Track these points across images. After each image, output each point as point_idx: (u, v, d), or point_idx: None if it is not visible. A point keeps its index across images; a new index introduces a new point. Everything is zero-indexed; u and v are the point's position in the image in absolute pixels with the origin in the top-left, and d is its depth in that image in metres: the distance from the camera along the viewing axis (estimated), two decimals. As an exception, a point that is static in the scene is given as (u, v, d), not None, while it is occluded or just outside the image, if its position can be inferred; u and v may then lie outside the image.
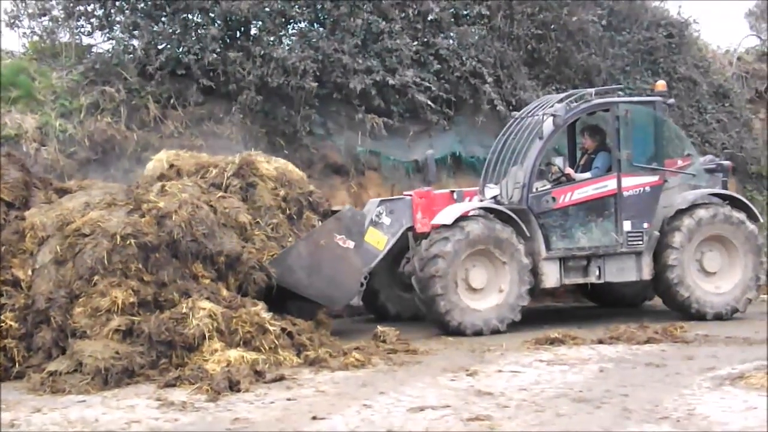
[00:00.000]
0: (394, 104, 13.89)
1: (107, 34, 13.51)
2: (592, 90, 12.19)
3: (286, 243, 10.44)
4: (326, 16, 13.85)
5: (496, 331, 10.89)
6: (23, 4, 13.60)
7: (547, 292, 12.19)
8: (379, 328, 10.41)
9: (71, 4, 13.28)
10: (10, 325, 8.80)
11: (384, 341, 10.11)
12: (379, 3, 13.89)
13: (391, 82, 13.57)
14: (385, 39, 13.73)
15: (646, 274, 11.71)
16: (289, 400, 7.60)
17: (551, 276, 11.42)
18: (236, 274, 9.85)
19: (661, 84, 12.46)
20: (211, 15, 13.16)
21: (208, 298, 9.18)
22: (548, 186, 11.55)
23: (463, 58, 14.24)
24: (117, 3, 13.27)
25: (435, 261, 10.73)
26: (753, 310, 11.99)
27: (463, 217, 10.99)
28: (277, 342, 9.11)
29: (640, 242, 11.59)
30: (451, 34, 14.50)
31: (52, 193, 10.41)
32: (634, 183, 11.58)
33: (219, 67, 12.97)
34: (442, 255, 10.73)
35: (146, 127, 12.82)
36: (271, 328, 9.16)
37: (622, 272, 11.69)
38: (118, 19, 13.33)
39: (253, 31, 13.57)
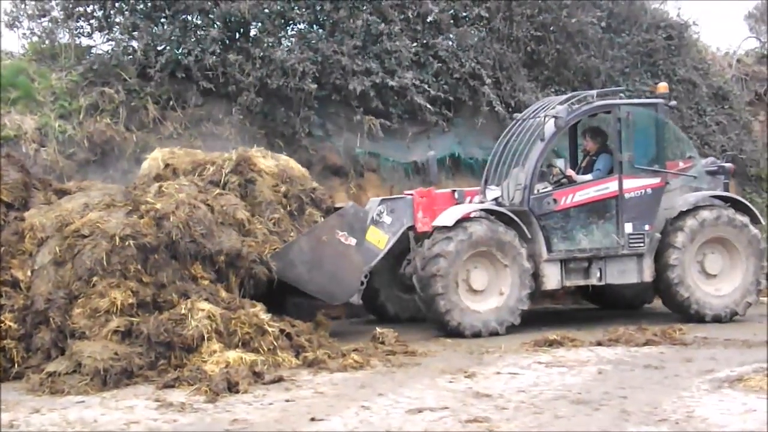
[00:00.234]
0: (393, 106, 13.89)
1: (107, 36, 13.49)
2: (594, 92, 12.20)
3: (287, 238, 10.46)
4: (326, 18, 13.85)
5: (494, 334, 10.90)
6: (23, 5, 13.60)
7: (546, 293, 12.19)
8: (378, 329, 10.42)
9: (71, 5, 13.27)
10: (9, 326, 8.81)
11: (383, 343, 10.12)
12: (379, 4, 13.89)
13: (390, 83, 13.57)
14: (384, 40, 13.72)
15: (647, 276, 11.72)
16: (287, 401, 7.60)
17: (552, 278, 11.43)
18: (237, 271, 9.86)
19: (662, 86, 12.47)
20: (211, 16, 13.16)
21: (206, 299, 9.19)
22: (549, 188, 11.55)
23: (462, 60, 14.23)
24: (116, 4, 13.26)
25: (437, 260, 10.74)
26: (751, 313, 11.99)
27: (465, 219, 11.00)
28: (275, 343, 9.11)
29: (642, 244, 11.60)
30: (451, 35, 14.50)
31: (52, 194, 10.42)
32: (635, 185, 11.59)
33: (218, 69, 12.96)
34: (444, 254, 10.73)
35: (145, 128, 12.81)
36: (269, 330, 9.17)
37: (623, 274, 11.69)
38: (117, 20, 13.31)
39: (253, 32, 13.57)
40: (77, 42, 13.52)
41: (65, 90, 12.69)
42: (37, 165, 11.73)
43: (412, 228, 11.51)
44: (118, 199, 10.02)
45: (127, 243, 9.14)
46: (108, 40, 13.48)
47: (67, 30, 13.45)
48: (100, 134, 12.38)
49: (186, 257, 9.46)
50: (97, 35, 13.60)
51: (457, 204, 11.68)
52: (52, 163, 11.97)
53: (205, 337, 8.78)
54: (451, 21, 14.52)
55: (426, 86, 13.92)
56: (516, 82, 14.85)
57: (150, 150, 12.14)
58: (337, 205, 11.52)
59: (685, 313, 11.69)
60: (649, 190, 11.66)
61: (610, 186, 11.55)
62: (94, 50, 13.51)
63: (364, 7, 13.79)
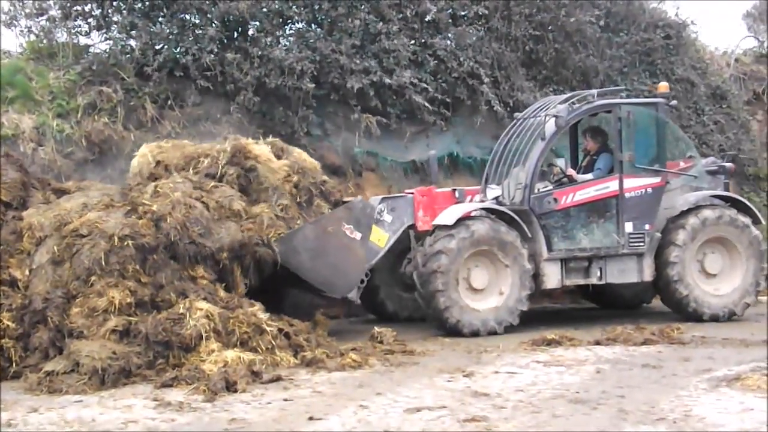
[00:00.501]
0: (391, 105, 13.89)
1: (104, 35, 13.48)
2: (595, 91, 12.21)
3: (293, 225, 10.48)
4: (324, 17, 13.85)
5: (493, 333, 10.90)
6: (20, 4, 13.59)
7: (544, 293, 12.19)
8: (376, 329, 10.42)
9: (68, 4, 13.24)
10: (7, 325, 8.80)
11: (381, 342, 10.12)
12: (377, 4, 13.88)
13: (388, 82, 13.57)
14: (382, 39, 13.72)
15: (648, 275, 11.73)
16: (285, 400, 7.60)
17: (552, 277, 11.44)
18: (242, 261, 9.95)
19: (663, 85, 12.48)
20: (209, 16, 13.14)
21: (205, 299, 9.19)
22: (550, 187, 11.56)
23: (461, 59, 14.23)
24: (114, 3, 13.25)
25: (438, 257, 10.75)
26: (749, 312, 11.99)
27: (466, 217, 11.00)
28: (274, 342, 9.11)
29: (642, 244, 11.60)
30: (449, 34, 14.49)
31: (50, 193, 10.42)
32: (635, 184, 11.60)
33: (216, 68, 12.95)
34: (445, 251, 10.75)
35: (143, 127, 12.81)
36: (268, 329, 9.17)
37: (624, 273, 11.70)
38: (115, 19, 13.31)
39: (251, 31, 13.56)
40: (75, 41, 13.51)
41: (63, 89, 12.68)
42: (35, 164, 11.73)
43: (412, 227, 11.52)
44: (116, 199, 10.03)
45: (125, 243, 9.15)
46: (106, 39, 13.48)
47: (65, 29, 13.45)
48: (98, 133, 12.37)
49: (185, 258, 9.47)
50: (95, 34, 13.62)
51: (457, 203, 11.68)
52: (50, 162, 11.97)
53: (204, 337, 8.78)
54: (450, 20, 14.53)
55: (424, 85, 13.91)
56: (514, 82, 14.85)
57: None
58: (345, 199, 11.55)
59: (683, 311, 11.70)
60: (649, 190, 11.67)
61: (611, 185, 11.55)
62: (92, 49, 13.50)
63: (363, 6, 13.78)
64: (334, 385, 8.21)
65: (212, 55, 12.85)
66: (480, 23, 14.71)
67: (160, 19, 13.25)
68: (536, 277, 11.31)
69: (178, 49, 12.97)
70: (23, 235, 9.53)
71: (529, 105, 13.78)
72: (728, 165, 12.64)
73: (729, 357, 9.20)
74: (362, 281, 10.97)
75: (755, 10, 21.61)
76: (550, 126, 11.45)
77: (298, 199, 10.91)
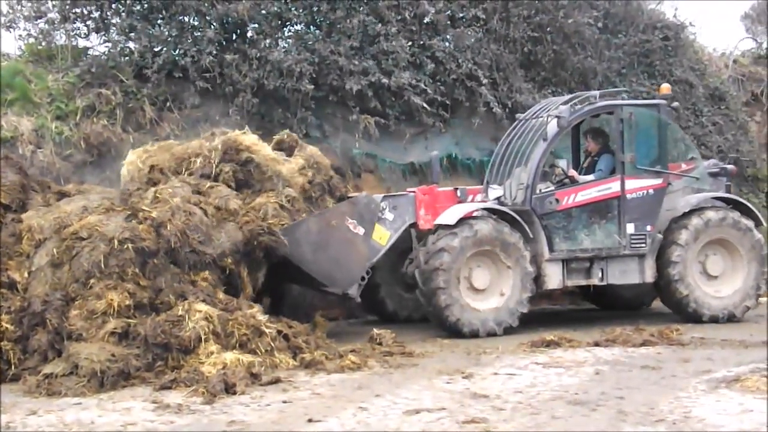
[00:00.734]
0: (390, 106, 13.90)
1: (103, 37, 13.51)
2: (597, 92, 12.23)
3: (298, 217, 10.50)
4: (322, 19, 13.86)
5: (492, 334, 10.91)
6: (19, 7, 13.59)
7: (545, 293, 12.20)
8: (375, 330, 10.42)
9: (67, 7, 13.26)
10: (6, 328, 8.79)
11: (380, 344, 10.12)
12: (376, 5, 13.89)
13: (387, 83, 13.58)
14: (381, 41, 13.73)
15: (649, 276, 11.74)
16: (284, 402, 7.60)
17: (554, 277, 11.45)
18: (249, 260, 10.02)
19: (665, 87, 12.50)
20: (208, 17, 13.15)
21: (204, 301, 9.18)
22: (552, 188, 11.58)
23: (459, 61, 14.24)
24: (113, 6, 13.26)
25: (440, 254, 10.76)
26: (748, 313, 11.98)
27: (468, 217, 11.01)
28: (273, 344, 9.10)
29: (643, 245, 11.61)
30: (447, 36, 14.49)
31: (51, 196, 10.42)
32: (637, 186, 11.61)
33: (215, 70, 12.97)
34: (448, 249, 10.76)
35: (142, 129, 12.81)
36: (267, 331, 9.16)
37: (625, 275, 11.71)
38: (114, 21, 13.33)
39: (250, 33, 13.57)
40: (74, 43, 13.53)
41: (62, 91, 12.69)
42: (34, 166, 11.73)
43: (414, 225, 11.52)
44: (117, 203, 10.00)
45: (125, 246, 9.14)
46: (105, 41, 13.50)
47: (64, 31, 13.46)
48: (96, 135, 12.37)
49: (186, 266, 9.46)
50: (93, 36, 13.64)
51: (459, 202, 11.70)
52: (49, 164, 11.98)
53: (203, 339, 8.77)
54: (448, 22, 14.54)
55: (423, 86, 13.92)
56: (513, 83, 14.86)
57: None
58: (350, 195, 11.56)
59: (682, 311, 11.71)
60: (651, 191, 11.68)
61: (612, 186, 11.56)
62: (90, 51, 13.51)
63: (361, 8, 13.79)
64: (333, 386, 8.20)
65: (211, 57, 12.87)
66: (478, 25, 14.73)
67: (159, 21, 13.26)
68: (538, 277, 11.32)
69: (177, 51, 12.98)
70: (22, 237, 9.52)
71: (528, 106, 13.81)
72: (730, 167, 12.66)
73: (728, 358, 9.19)
74: (363, 278, 10.97)
75: (753, 11, 21.63)
76: (552, 127, 11.46)
77: (311, 195, 10.92)
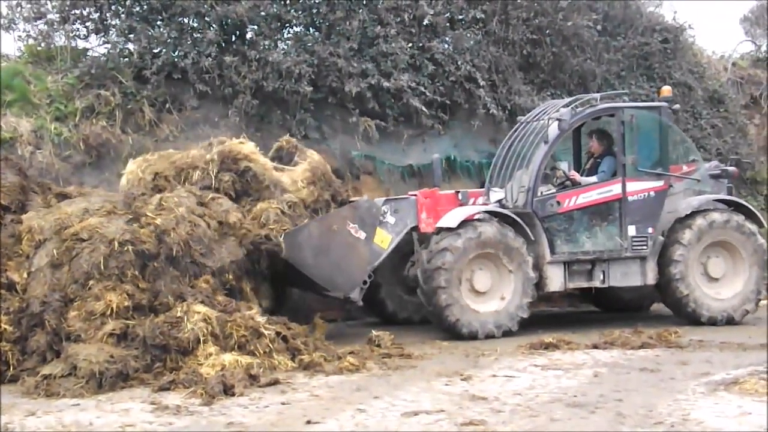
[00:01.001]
0: (389, 108, 13.90)
1: (103, 38, 13.51)
2: (598, 95, 12.25)
3: (299, 222, 10.51)
4: (322, 21, 13.87)
5: (491, 336, 10.92)
6: (18, 8, 13.58)
7: (542, 296, 12.20)
8: (374, 332, 10.42)
9: (67, 8, 13.26)
10: (5, 329, 8.78)
11: (379, 346, 10.12)
12: (375, 7, 13.91)
13: (386, 85, 13.58)
14: (380, 43, 13.74)
15: (651, 279, 11.74)
16: (283, 404, 7.59)
17: (555, 280, 11.46)
18: (252, 273, 10.12)
19: (666, 89, 12.51)
20: (207, 19, 13.16)
21: (202, 302, 9.17)
22: (553, 190, 11.59)
23: (458, 63, 14.25)
24: (113, 7, 13.26)
25: (443, 254, 10.78)
26: (747, 316, 11.97)
27: (469, 220, 11.01)
28: (271, 346, 9.10)
29: (645, 247, 11.62)
30: (447, 38, 14.50)
31: (52, 197, 10.41)
32: (639, 188, 11.63)
33: (215, 71, 12.97)
34: (451, 249, 10.78)
35: (141, 130, 12.81)
36: (265, 332, 9.16)
37: (626, 277, 11.72)
38: (113, 23, 13.34)
39: (249, 35, 13.58)
40: (73, 44, 13.53)
41: (61, 92, 12.69)
42: (33, 167, 11.72)
43: (415, 228, 11.53)
44: (119, 207, 9.96)
45: (125, 248, 9.14)
46: (104, 42, 13.50)
47: (64, 32, 13.45)
48: (95, 137, 12.36)
49: (186, 275, 9.46)
50: (93, 38, 13.64)
51: (461, 205, 11.71)
52: (48, 165, 11.97)
53: (201, 340, 8.76)
54: (447, 24, 14.56)
55: (422, 89, 13.93)
56: (512, 85, 14.87)
57: (146, 153, 12.15)
58: (352, 199, 11.56)
59: (682, 311, 11.72)
60: (652, 193, 11.68)
61: (614, 189, 11.57)
62: (90, 53, 13.51)
63: (360, 10, 13.81)
64: (332, 388, 8.20)
65: (210, 59, 12.87)
66: (477, 27, 14.74)
67: (159, 22, 13.26)
68: (539, 280, 11.32)
69: (176, 53, 12.99)
70: (22, 238, 9.51)
71: (527, 109, 13.85)
72: (731, 169, 12.65)
73: (727, 361, 9.19)
74: (365, 282, 10.99)
75: (752, 14, 21.64)
76: (553, 129, 11.47)
77: (316, 209, 10.96)
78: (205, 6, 13.09)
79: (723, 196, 12.22)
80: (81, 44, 13.64)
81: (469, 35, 14.59)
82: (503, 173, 11.93)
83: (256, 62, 13.05)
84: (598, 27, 15.76)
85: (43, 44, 13.52)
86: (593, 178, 11.73)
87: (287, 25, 13.92)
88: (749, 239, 11.80)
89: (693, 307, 11.61)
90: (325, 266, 10.46)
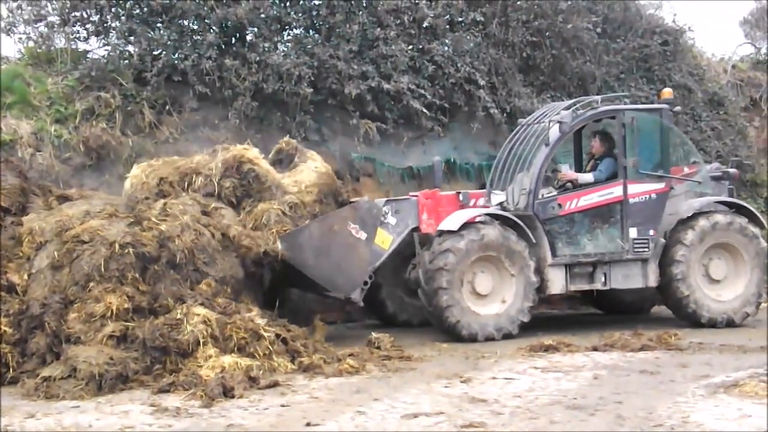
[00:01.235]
0: (389, 110, 13.90)
1: (103, 40, 13.49)
2: (599, 97, 12.24)
3: (300, 222, 10.53)
4: (322, 23, 13.87)
5: (491, 339, 10.92)
6: (19, 10, 13.58)
7: (543, 298, 12.21)
8: (374, 334, 10.43)
9: (67, 10, 13.26)
10: (5, 331, 8.80)
11: (378, 348, 10.12)
12: (375, 10, 13.91)
13: (386, 87, 13.59)
14: (380, 45, 13.74)
15: (652, 281, 11.74)
16: (283, 406, 7.59)
17: (557, 282, 11.47)
18: (253, 289, 10.14)
19: (667, 91, 12.52)
20: (207, 21, 13.15)
21: (202, 304, 9.18)
22: (554, 192, 11.59)
23: (458, 65, 14.24)
24: (113, 9, 13.26)
25: (446, 255, 10.79)
26: (747, 318, 11.97)
27: (470, 223, 11.01)
28: (271, 348, 9.11)
29: (646, 249, 11.62)
30: (446, 40, 14.50)
31: (53, 199, 10.42)
32: (640, 190, 11.63)
33: (215, 73, 12.97)
34: (453, 250, 10.79)
35: (141, 132, 12.81)
36: (265, 335, 9.17)
37: (628, 279, 11.72)
38: (113, 25, 13.34)
39: (249, 37, 13.57)
40: (73, 47, 13.52)
41: (61, 94, 12.69)
42: (33, 169, 11.71)
43: (416, 229, 11.53)
44: (121, 210, 9.97)
45: (126, 251, 9.15)
46: (104, 45, 13.48)
47: (64, 35, 13.44)
48: (95, 139, 12.35)
49: (187, 280, 9.47)
50: (93, 40, 13.62)
51: (462, 206, 11.72)
52: (48, 167, 11.96)
53: (201, 342, 8.77)
54: (447, 26, 14.56)
55: (422, 91, 13.93)
56: (512, 88, 14.87)
57: (146, 155, 12.20)
58: (352, 200, 11.56)
59: (682, 311, 11.72)
60: (653, 195, 11.69)
61: (615, 191, 11.58)
62: (90, 55, 13.49)
63: (360, 12, 13.81)
64: (332, 390, 8.20)
65: (210, 61, 12.87)
66: (477, 29, 14.74)
67: (159, 24, 13.26)
68: (541, 282, 11.32)
69: (176, 55, 12.97)
70: (23, 240, 9.53)
71: (527, 111, 13.86)
72: (732, 171, 12.65)
73: (727, 363, 9.19)
74: (366, 283, 11.00)
75: (752, 16, 21.67)
76: (554, 132, 11.48)
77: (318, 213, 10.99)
78: (205, 8, 13.09)
79: (724, 198, 12.22)
80: (81, 46, 13.65)
81: (468, 37, 14.59)
82: (504, 176, 11.94)
83: (256, 64, 13.05)
84: (598, 29, 15.76)
85: (43, 46, 13.51)
86: (589, 176, 11.72)
87: (287, 27, 13.92)
88: (752, 242, 11.80)
89: (693, 308, 11.61)
90: (326, 267, 10.46)
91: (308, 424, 6.91)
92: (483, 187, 12.71)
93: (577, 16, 15.34)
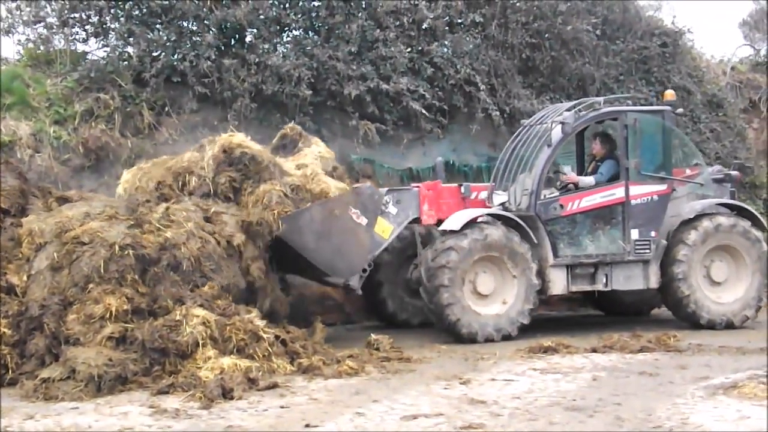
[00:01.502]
0: (388, 112, 13.92)
1: (102, 42, 13.49)
2: (601, 99, 12.27)
3: (301, 205, 10.45)
4: (321, 24, 13.88)
5: (490, 340, 10.92)
6: (18, 12, 13.57)
7: (542, 300, 12.21)
8: (373, 336, 10.42)
9: (66, 12, 13.26)
10: (4, 332, 8.78)
11: (377, 349, 10.12)
12: (374, 11, 13.92)
13: (385, 89, 13.60)
14: (379, 46, 13.75)
15: (653, 282, 11.75)
16: (282, 407, 7.59)
17: (558, 283, 11.48)
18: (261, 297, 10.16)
19: (670, 93, 12.53)
20: (206, 22, 13.15)
21: (201, 306, 9.17)
22: (556, 193, 11.61)
23: (458, 66, 14.27)
24: (112, 10, 13.26)
25: (448, 252, 10.80)
26: (746, 321, 11.98)
27: (474, 222, 11.02)
28: (270, 349, 9.10)
29: (648, 251, 11.63)
30: (446, 42, 14.53)
31: (53, 201, 10.40)
32: (642, 191, 11.64)
33: (214, 75, 12.98)
34: (456, 249, 10.81)
35: (140, 134, 12.81)
36: (264, 336, 9.16)
37: (629, 280, 11.73)
38: (113, 26, 13.33)
39: (248, 38, 13.58)
40: (73, 48, 13.51)
41: (60, 96, 12.69)
42: (32, 171, 11.72)
43: (417, 220, 11.53)
44: (121, 212, 9.94)
45: (126, 252, 9.14)
46: (103, 46, 13.49)
47: (63, 36, 13.43)
48: (95, 140, 12.36)
49: (190, 284, 9.47)
50: (92, 41, 13.61)
51: (463, 198, 11.77)
52: (47, 168, 11.97)
53: (200, 344, 8.76)
54: (446, 28, 14.58)
55: (421, 92, 13.94)
56: (511, 89, 14.88)
57: (145, 156, 12.18)
58: (355, 186, 11.57)
59: (681, 311, 11.73)
60: (655, 197, 11.70)
61: (617, 192, 11.59)
62: (89, 56, 13.49)
63: (360, 14, 13.82)
64: (331, 392, 8.20)
65: (209, 62, 12.88)
66: (477, 31, 14.76)
67: (158, 26, 13.26)
68: (542, 283, 11.33)
69: (175, 56, 12.98)
70: (22, 241, 9.51)
71: (526, 112, 13.88)
72: (734, 173, 12.66)
73: (726, 365, 9.20)
74: (365, 270, 10.98)
75: (751, 18, 21.70)
76: (557, 133, 11.49)
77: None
78: (204, 9, 13.09)
79: (726, 200, 12.23)
80: (80, 48, 13.64)
81: (468, 39, 14.61)
82: (506, 176, 11.95)
83: (255, 65, 13.06)
84: (597, 31, 15.79)
85: (42, 48, 13.50)
86: (590, 179, 11.74)
87: (286, 28, 13.93)
88: (754, 246, 11.81)
89: (693, 309, 11.61)
90: (326, 251, 10.44)
91: (307, 426, 6.91)
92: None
93: (577, 18, 15.36)
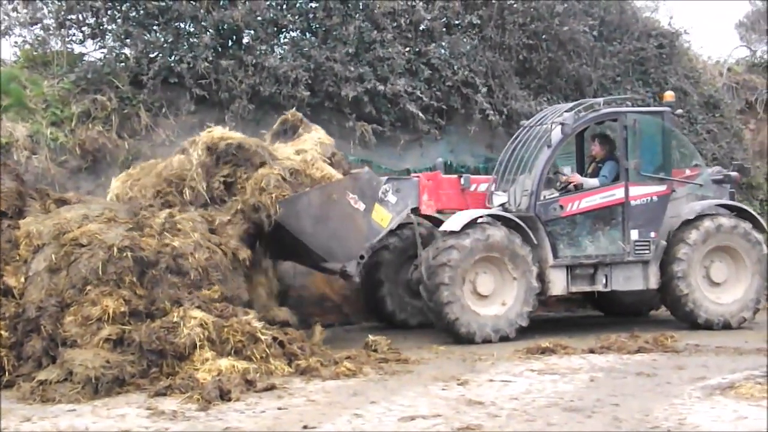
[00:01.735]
0: (385, 113, 13.93)
1: (99, 43, 13.47)
2: (601, 99, 12.29)
3: (299, 189, 10.40)
4: (318, 25, 13.89)
5: (488, 341, 10.93)
6: (15, 13, 13.56)
7: (541, 300, 12.22)
8: (371, 337, 10.43)
9: (63, 13, 13.24)
10: (1, 334, 8.76)
11: (375, 350, 10.12)
12: (371, 12, 13.93)
13: (382, 90, 13.61)
14: (377, 48, 13.76)
15: (653, 283, 11.77)
16: (280, 409, 7.58)
17: (558, 284, 11.51)
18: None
19: (669, 94, 12.56)
20: (204, 24, 13.15)
21: (199, 307, 9.15)
22: (556, 194, 11.63)
23: (455, 68, 14.28)
24: (109, 12, 13.25)
25: (450, 251, 10.81)
26: (744, 323, 12.00)
27: (473, 223, 11.04)
28: (268, 351, 9.09)
29: (647, 251, 11.65)
30: (443, 43, 14.54)
31: (51, 203, 10.39)
32: (641, 192, 11.67)
33: (211, 76, 12.98)
34: (457, 248, 10.82)
35: (137, 135, 12.81)
36: (262, 337, 9.15)
37: (629, 281, 11.76)
38: (109, 27, 13.32)
39: (246, 39, 13.59)
40: (69, 49, 13.49)
41: (57, 97, 12.67)
42: (29, 172, 11.71)
43: (416, 210, 11.54)
44: (121, 216, 9.92)
45: (124, 254, 9.12)
46: (100, 47, 13.47)
47: (60, 37, 13.42)
48: (92, 141, 12.36)
49: (196, 288, 9.47)
50: (89, 43, 13.59)
51: (463, 189, 11.83)
52: (44, 170, 11.96)
53: (198, 345, 8.74)
54: (444, 29, 14.59)
55: (419, 93, 13.94)
56: (508, 90, 14.90)
57: (142, 157, 12.18)
58: (353, 171, 11.56)
59: (680, 310, 11.75)
60: (655, 198, 11.72)
61: (617, 193, 11.62)
62: (86, 58, 13.47)
63: (357, 15, 13.83)
64: (329, 393, 8.19)
65: (207, 63, 12.88)
66: (474, 32, 14.77)
67: (155, 27, 13.24)
68: (541, 284, 11.34)
69: (172, 58, 12.98)
70: (20, 243, 9.49)
71: (523, 113, 13.91)
72: (734, 174, 12.68)
73: (723, 365, 9.21)
74: (362, 257, 10.94)
75: (748, 19, 21.73)
76: (557, 133, 11.51)
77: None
78: (202, 11, 13.09)
79: (726, 201, 12.25)
80: (77, 49, 13.61)
81: (465, 40, 14.62)
82: (506, 177, 11.96)
83: (252, 67, 13.06)
84: (594, 32, 15.81)
85: (39, 49, 13.48)
86: (594, 181, 11.76)
87: (284, 29, 13.93)
88: (754, 247, 11.83)
89: (691, 308, 11.63)
90: (323, 235, 10.41)
91: (305, 427, 6.91)
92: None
93: (574, 19, 15.38)
